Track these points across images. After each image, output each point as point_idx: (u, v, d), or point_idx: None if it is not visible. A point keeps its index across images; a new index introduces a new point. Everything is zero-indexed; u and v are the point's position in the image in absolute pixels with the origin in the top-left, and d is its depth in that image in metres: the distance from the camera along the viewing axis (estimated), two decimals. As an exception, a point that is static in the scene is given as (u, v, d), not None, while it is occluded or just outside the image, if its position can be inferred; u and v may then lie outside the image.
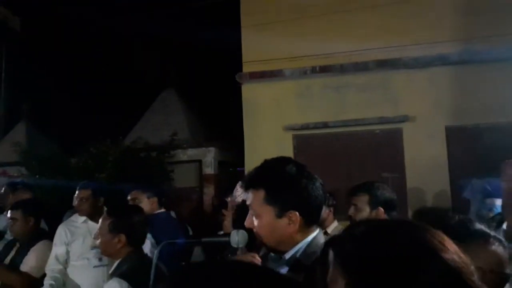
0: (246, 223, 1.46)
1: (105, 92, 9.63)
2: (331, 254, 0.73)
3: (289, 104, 5.41)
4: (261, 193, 1.41)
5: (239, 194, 2.63)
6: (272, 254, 1.47)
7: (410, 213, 4.53)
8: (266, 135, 5.36)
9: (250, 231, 1.45)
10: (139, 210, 2.39)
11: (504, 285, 1.10)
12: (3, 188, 4.02)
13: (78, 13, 8.91)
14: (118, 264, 2.11)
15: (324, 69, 5.32)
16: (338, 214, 3.34)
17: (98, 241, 2.19)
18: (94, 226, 2.62)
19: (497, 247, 1.11)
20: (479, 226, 1.18)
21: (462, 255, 0.67)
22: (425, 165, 4.80)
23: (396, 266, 0.64)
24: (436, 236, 0.69)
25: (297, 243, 1.40)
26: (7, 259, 3.01)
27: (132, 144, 6.54)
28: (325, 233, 2.66)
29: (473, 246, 1.07)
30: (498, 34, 4.70)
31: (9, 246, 3.12)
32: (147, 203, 3.19)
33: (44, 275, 2.93)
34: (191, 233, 4.27)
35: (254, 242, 1.47)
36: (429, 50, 4.92)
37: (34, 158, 6.51)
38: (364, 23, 5.13)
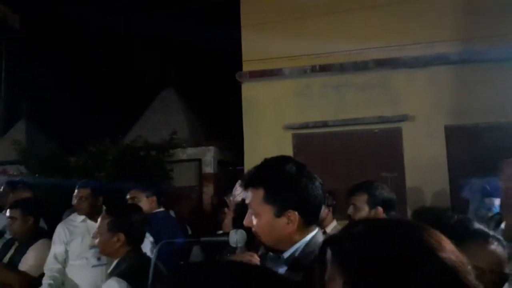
0: (245, 222, 1.46)
1: (105, 91, 9.63)
2: (329, 253, 0.73)
3: (288, 103, 5.40)
4: (261, 192, 1.41)
5: (239, 193, 2.63)
6: (270, 253, 1.47)
7: (409, 213, 4.53)
8: (266, 134, 5.36)
9: (249, 230, 1.45)
10: (138, 209, 2.38)
11: (503, 284, 1.10)
12: (2, 187, 4.01)
13: (78, 12, 8.91)
14: (117, 264, 2.10)
15: (324, 68, 5.32)
16: (337, 213, 3.34)
17: (96, 240, 2.19)
18: (93, 225, 2.61)
19: (496, 247, 1.12)
20: (478, 225, 1.18)
21: (458, 254, 0.68)
22: (425, 164, 4.80)
23: (393, 265, 0.64)
24: (434, 235, 0.69)
25: (296, 242, 1.40)
26: (6, 258, 3.01)
27: (131, 143, 6.53)
28: (324, 232, 2.65)
29: (473, 245, 1.08)
30: (498, 34, 4.69)
31: (8, 245, 3.11)
32: (146, 202, 3.18)
33: (43, 274, 2.92)
34: (190, 232, 4.27)
35: (253, 241, 1.46)
36: (429, 49, 4.92)
37: (34, 157, 6.50)
38: (364, 22, 5.12)
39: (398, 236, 0.69)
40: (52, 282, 2.88)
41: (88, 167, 6.01)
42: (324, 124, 5.25)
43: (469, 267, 0.67)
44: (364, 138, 5.14)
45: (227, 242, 1.48)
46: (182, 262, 3.24)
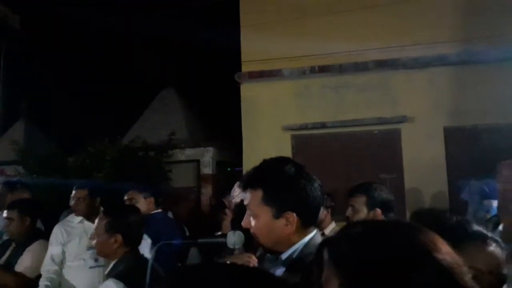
0: (244, 223, 1.45)
1: (104, 91, 9.62)
2: (326, 254, 0.73)
3: (287, 104, 5.40)
4: (259, 193, 1.40)
5: (237, 194, 2.63)
6: (268, 254, 1.46)
7: (408, 214, 4.52)
8: (265, 135, 5.35)
9: (247, 231, 1.44)
10: (136, 210, 2.37)
11: (502, 286, 1.11)
12: (0, 188, 4.00)
13: (78, 12, 8.90)
14: (114, 265, 2.10)
15: (323, 69, 5.32)
16: (336, 215, 3.33)
17: (94, 242, 2.18)
18: (90, 226, 2.60)
19: (494, 248, 1.12)
20: (477, 227, 1.18)
21: (455, 255, 0.68)
22: (424, 166, 4.79)
23: (390, 267, 0.64)
24: (430, 236, 0.69)
25: (294, 243, 1.39)
26: (2, 259, 2.99)
27: (130, 144, 6.52)
28: (323, 234, 2.64)
29: (471, 247, 1.08)
30: (497, 35, 4.70)
31: (4, 246, 3.10)
32: (143, 203, 3.17)
33: (40, 275, 2.91)
34: (187, 233, 4.25)
35: (251, 242, 1.46)
36: (429, 50, 4.92)
37: (32, 157, 6.49)
38: (364, 23, 5.12)
39: (394, 237, 0.69)
40: (49, 283, 2.87)
41: (86, 167, 6.00)
42: (323, 125, 5.24)
43: (465, 268, 0.67)
44: (363, 139, 5.14)
45: (224, 244, 1.47)
46: (179, 264, 3.23)
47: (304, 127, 5.30)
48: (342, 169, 4.95)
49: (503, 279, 1.09)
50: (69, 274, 2.96)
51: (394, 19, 5.08)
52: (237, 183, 2.33)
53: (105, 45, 9.89)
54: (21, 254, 2.94)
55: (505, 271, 1.09)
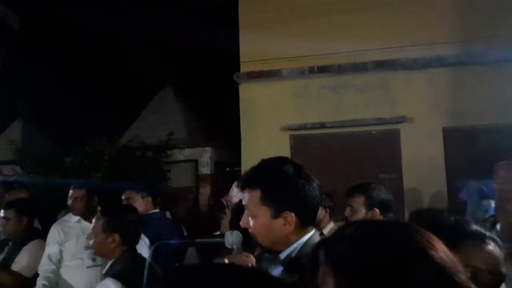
0: (242, 223, 1.45)
1: (102, 90, 9.60)
2: (321, 255, 0.73)
3: (286, 104, 5.39)
4: (257, 193, 1.40)
5: (235, 194, 2.62)
6: (267, 254, 1.45)
7: (407, 214, 4.52)
8: (263, 135, 5.34)
9: (245, 231, 1.43)
10: (133, 209, 2.36)
11: (501, 284, 1.12)
12: (-3, 187, 3.99)
13: (76, 11, 8.88)
14: (112, 264, 2.09)
15: (322, 69, 5.31)
16: (335, 215, 3.32)
17: (91, 241, 2.17)
18: (88, 226, 2.60)
19: (493, 247, 1.13)
20: (475, 227, 1.19)
21: (450, 254, 0.68)
22: (423, 166, 4.80)
23: (386, 266, 0.64)
24: (425, 235, 0.69)
25: (293, 243, 1.39)
26: (-1, 259, 2.98)
27: (128, 143, 6.51)
28: (321, 234, 2.64)
29: (470, 247, 1.10)
30: (496, 36, 4.70)
31: (1, 246, 3.09)
32: (141, 203, 3.16)
33: (36, 274, 2.90)
34: (185, 233, 4.25)
35: (249, 242, 1.45)
36: (428, 51, 4.92)
37: (29, 157, 6.47)
38: (363, 24, 5.12)
39: (391, 237, 0.69)
40: (46, 282, 2.86)
41: (84, 167, 5.98)
42: (322, 125, 5.24)
43: (461, 266, 0.67)
44: (362, 139, 5.13)
45: (222, 244, 1.47)
46: (177, 264, 3.22)
47: (303, 127, 5.30)
48: (341, 169, 4.94)
49: (501, 278, 1.10)
50: (67, 274, 2.96)
51: (393, 19, 5.08)
52: (235, 183, 2.33)
53: (103, 45, 9.87)
54: (18, 253, 2.94)
55: (503, 269, 1.10)
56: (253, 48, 5.42)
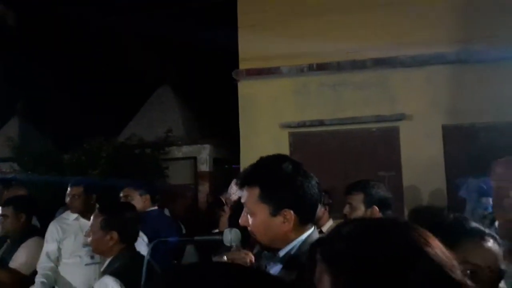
0: (241, 221, 1.45)
1: (100, 88, 9.56)
2: (318, 253, 0.73)
3: (285, 101, 5.38)
4: (256, 191, 1.39)
5: (234, 191, 2.61)
6: (266, 252, 1.45)
7: (406, 212, 4.53)
8: (262, 132, 5.33)
9: (244, 228, 1.43)
10: (131, 207, 2.36)
11: (500, 280, 1.12)
12: (-5, 184, 3.97)
13: (74, 9, 8.84)
14: (110, 262, 2.08)
15: (321, 67, 5.29)
16: (334, 212, 3.32)
17: (89, 239, 2.16)
18: (86, 224, 2.59)
19: (492, 244, 1.13)
20: (475, 224, 1.20)
21: (445, 250, 0.68)
22: (422, 164, 4.79)
23: (384, 264, 0.64)
24: (420, 232, 0.70)
25: (292, 241, 1.39)
26: (-3, 256, 2.97)
27: (126, 141, 6.49)
28: (320, 231, 2.64)
29: (469, 244, 1.10)
30: (495, 34, 4.69)
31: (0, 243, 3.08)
32: (139, 200, 3.16)
33: (35, 272, 2.89)
34: (184, 230, 4.24)
35: (248, 239, 1.45)
36: (427, 48, 4.91)
37: (27, 154, 6.44)
38: (362, 22, 5.11)
39: (387, 235, 0.69)
40: (44, 280, 2.86)
41: (82, 164, 5.96)
42: (321, 123, 5.23)
43: (456, 262, 0.68)
44: (361, 137, 5.13)
45: (221, 241, 1.46)
46: (175, 261, 3.22)
47: (302, 124, 5.28)
48: (340, 167, 4.94)
49: (501, 275, 1.11)
50: (65, 271, 2.96)
51: (392, 17, 5.06)
52: (234, 181, 2.32)
53: (101, 42, 9.84)
54: (15, 250, 2.93)
55: (502, 266, 1.11)
56: (252, 45, 5.40)
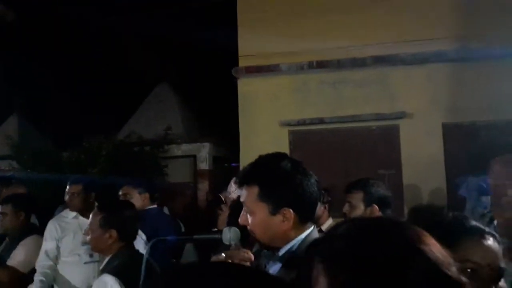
0: (240, 220, 1.45)
1: (100, 87, 9.55)
2: (315, 254, 0.73)
3: (285, 99, 5.37)
4: (255, 190, 1.39)
5: (233, 190, 2.61)
6: (265, 250, 1.44)
7: (406, 210, 4.52)
8: (262, 130, 5.32)
9: (243, 227, 1.42)
10: (130, 205, 2.36)
11: (500, 278, 1.12)
12: (-5, 183, 3.97)
13: (73, 7, 8.82)
14: (109, 260, 2.08)
15: (321, 65, 5.28)
16: (334, 211, 3.31)
17: (88, 237, 2.16)
18: (85, 222, 2.59)
19: (492, 243, 1.13)
20: (474, 222, 1.20)
21: (441, 248, 0.69)
22: (422, 162, 4.79)
23: (383, 264, 0.64)
24: (416, 231, 0.70)
25: (291, 239, 1.39)
26: (-4, 254, 2.97)
27: (125, 139, 6.47)
28: (320, 230, 2.63)
29: (469, 242, 1.10)
30: (496, 32, 4.68)
31: (-2, 241, 3.07)
32: (138, 199, 3.15)
33: (34, 270, 2.89)
34: (183, 229, 4.24)
35: (247, 238, 1.44)
36: (427, 46, 4.90)
37: (26, 152, 6.43)
38: (362, 19, 5.09)
39: (383, 234, 0.69)
40: (43, 278, 2.85)
41: (81, 162, 5.95)
42: (321, 120, 5.22)
43: (452, 260, 0.68)
44: (361, 135, 5.12)
45: (220, 240, 1.45)
46: (174, 260, 3.22)
47: (302, 122, 5.28)
48: (340, 165, 4.93)
49: (501, 273, 1.11)
50: (64, 270, 2.95)
51: (392, 15, 5.05)
52: (234, 179, 2.31)
53: (101, 42, 9.82)
54: (14, 248, 2.93)
55: (502, 264, 1.11)
56: (251, 42, 5.38)
